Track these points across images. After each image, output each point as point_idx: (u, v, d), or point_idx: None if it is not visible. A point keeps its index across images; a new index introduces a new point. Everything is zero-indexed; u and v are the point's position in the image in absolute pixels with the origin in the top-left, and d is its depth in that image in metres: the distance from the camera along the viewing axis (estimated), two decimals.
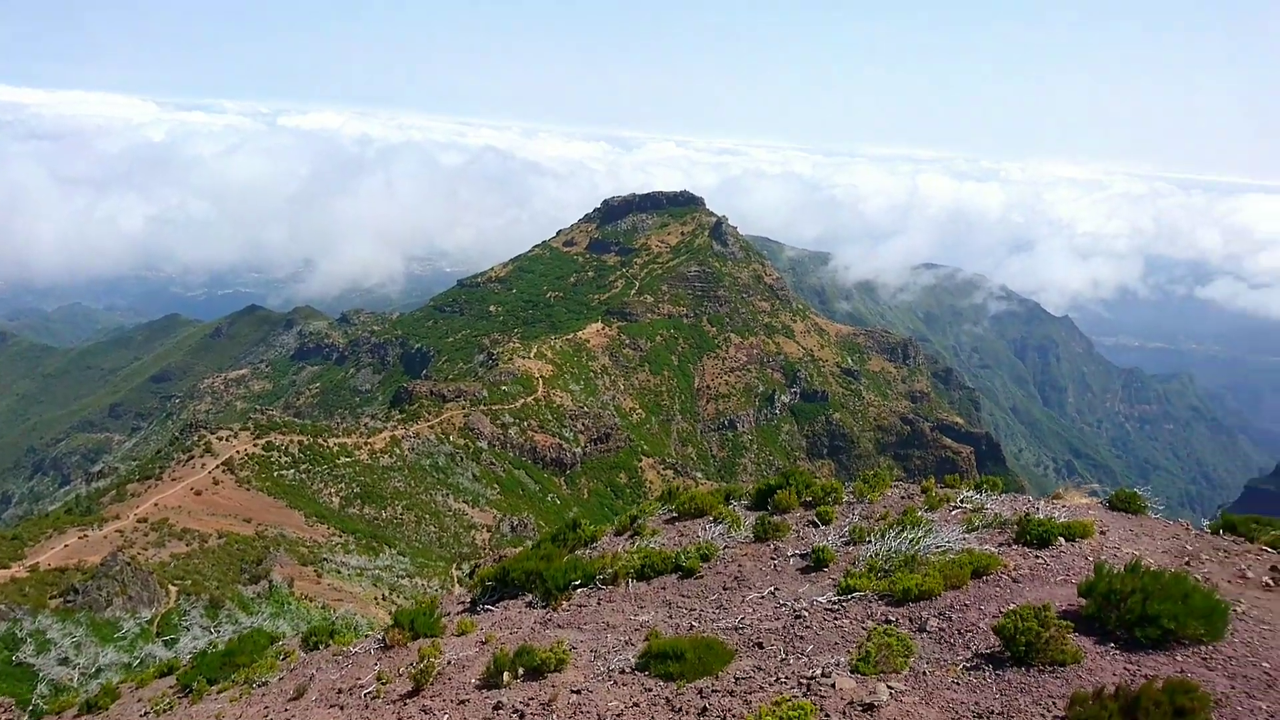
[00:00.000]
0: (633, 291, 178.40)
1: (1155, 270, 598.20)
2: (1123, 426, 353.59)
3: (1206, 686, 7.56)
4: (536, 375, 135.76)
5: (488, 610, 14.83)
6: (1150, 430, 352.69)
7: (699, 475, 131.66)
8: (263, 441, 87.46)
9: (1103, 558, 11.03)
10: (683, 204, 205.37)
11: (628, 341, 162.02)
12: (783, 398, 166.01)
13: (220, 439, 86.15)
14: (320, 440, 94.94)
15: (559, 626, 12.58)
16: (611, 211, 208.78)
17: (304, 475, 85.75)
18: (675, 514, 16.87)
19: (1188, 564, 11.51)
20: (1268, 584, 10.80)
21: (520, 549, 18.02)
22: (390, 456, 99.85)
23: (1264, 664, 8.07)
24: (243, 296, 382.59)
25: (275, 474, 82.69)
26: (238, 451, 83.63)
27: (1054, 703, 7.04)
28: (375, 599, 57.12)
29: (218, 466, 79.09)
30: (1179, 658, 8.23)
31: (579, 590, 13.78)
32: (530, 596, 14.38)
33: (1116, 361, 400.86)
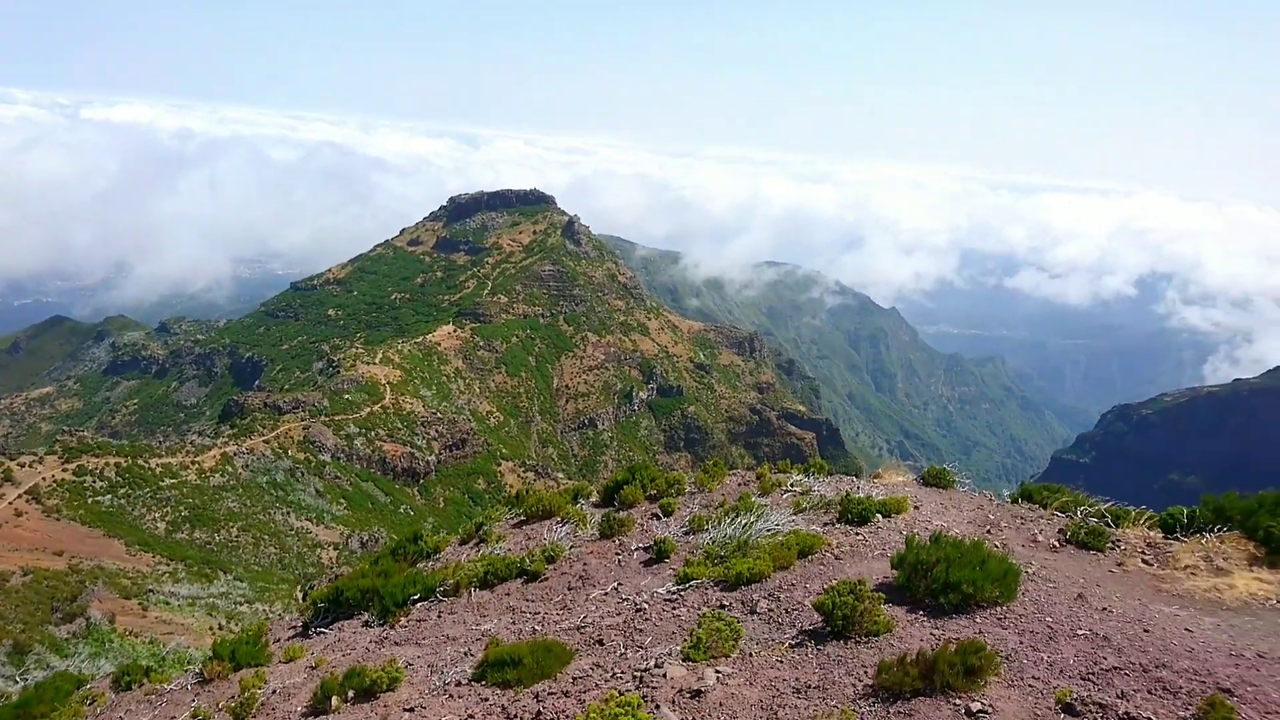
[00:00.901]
0: (485, 291, 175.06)
1: (970, 263, 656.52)
2: (946, 407, 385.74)
3: (999, 644, 8.28)
4: (383, 381, 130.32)
5: (320, 633, 14.01)
6: (970, 410, 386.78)
7: (561, 476, 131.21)
8: (73, 466, 78.66)
9: (915, 531, 11.87)
10: (534, 202, 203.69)
11: (482, 343, 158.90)
12: (641, 394, 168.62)
13: (22, 465, 76.60)
14: (141, 461, 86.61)
15: (396, 644, 12.06)
16: (459, 209, 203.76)
17: (123, 500, 77.93)
18: (523, 517, 16.62)
19: (988, 532, 12.61)
20: (1054, 546, 12.02)
21: (355, 567, 17.16)
22: (222, 475, 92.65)
23: (1048, 619, 8.94)
24: (46, 307, 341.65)
25: (90, 501, 74.60)
26: (44, 478, 74.70)
27: (865, 671, 7.45)
28: (210, 629, 52.92)
29: (20, 496, 70.32)
30: (978, 619, 8.97)
31: (419, 604, 13.28)
32: (367, 615, 13.72)
33: (939, 348, 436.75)
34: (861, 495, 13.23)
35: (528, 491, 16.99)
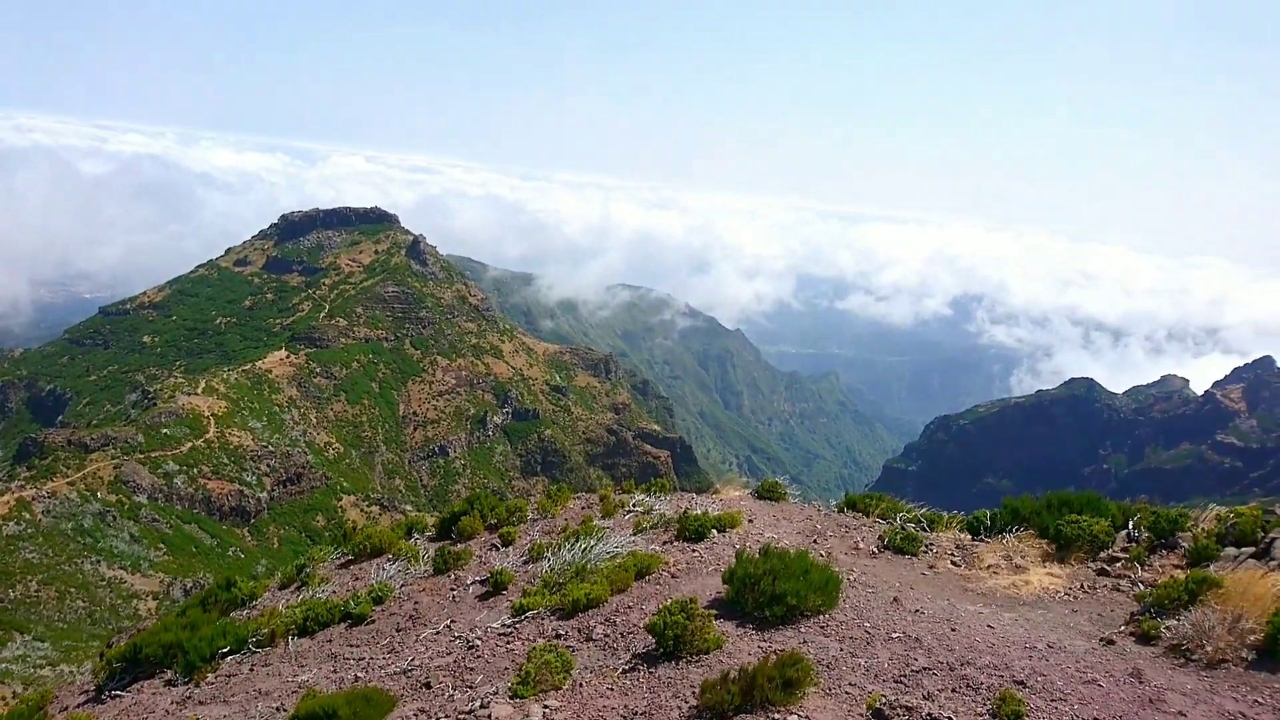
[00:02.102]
0: (322, 314, 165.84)
1: (805, 287, 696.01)
2: (788, 422, 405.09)
3: (821, 652, 8.52)
4: (206, 413, 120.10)
5: (116, 696, 12.43)
6: (809, 424, 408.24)
7: (409, 508, 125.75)
8: None
9: (748, 544, 12.13)
10: (375, 221, 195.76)
11: (319, 370, 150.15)
12: (495, 418, 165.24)
13: None
14: None
15: (200, 703, 10.87)
16: (292, 228, 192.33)
17: None
18: (351, 556, 15.59)
19: (815, 541, 13.10)
20: (873, 552, 12.64)
21: (157, 621, 15.45)
22: (17, 523, 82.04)
23: (866, 624, 9.32)
24: None
25: None
26: None
27: (692, 692, 7.42)
28: (2, 699, 46.40)
29: None
30: (803, 629, 9.21)
31: (230, 658, 12.08)
32: (170, 673, 12.31)
33: (780, 366, 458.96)
34: (698, 512, 13.40)
35: (355, 529, 15.96)
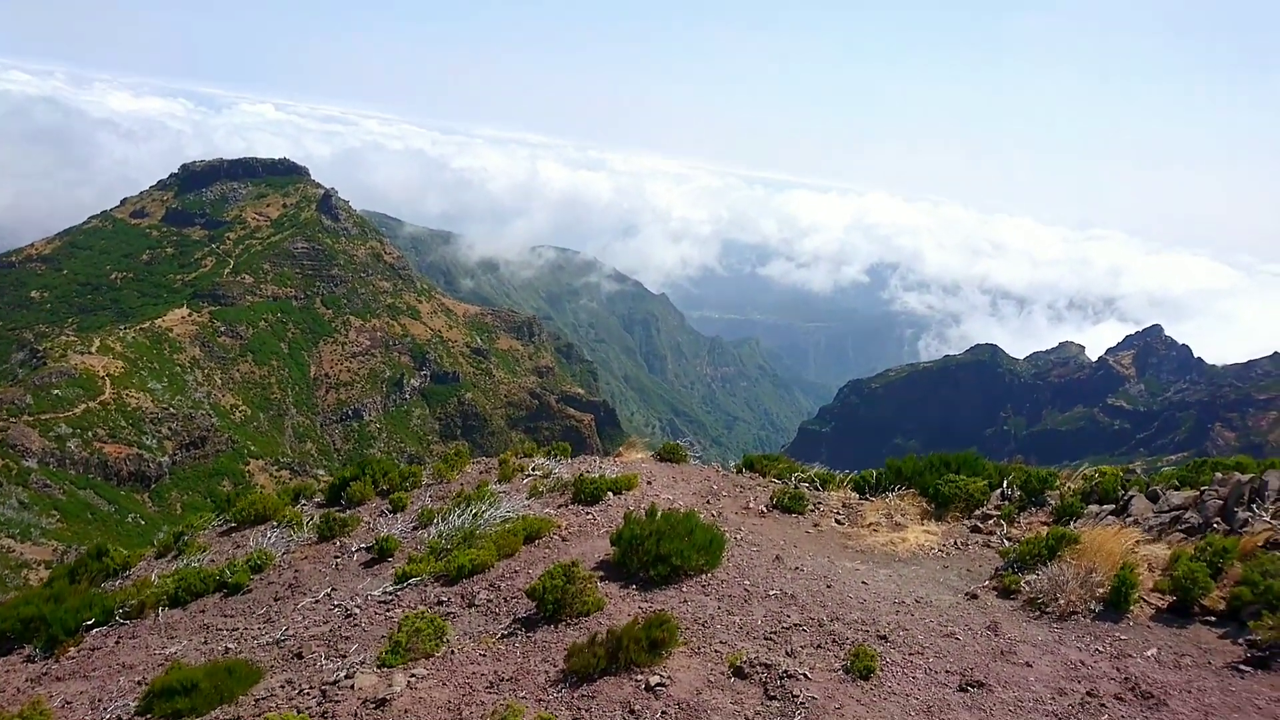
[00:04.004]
0: (227, 270, 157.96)
1: (729, 252, 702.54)
2: (710, 386, 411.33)
3: (699, 610, 8.60)
4: (102, 374, 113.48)
5: None
6: (730, 388, 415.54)
7: (321, 473, 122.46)
8: None
9: (643, 506, 12.15)
10: (284, 173, 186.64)
11: (223, 329, 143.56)
12: (412, 381, 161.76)
13: None
14: None
15: (58, 679, 10.27)
16: (194, 178, 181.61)
17: None
18: (234, 523, 14.95)
19: (708, 502, 13.23)
20: (762, 511, 12.85)
21: (16, 593, 14.52)
22: None
23: (746, 582, 9.46)
24: None
25: None
26: None
27: (563, 656, 7.36)
28: None
29: None
30: (685, 589, 9.28)
31: (95, 631, 11.44)
32: (29, 649, 11.59)
33: (703, 331, 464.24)
34: (595, 475, 13.33)
35: (235, 495, 15.29)
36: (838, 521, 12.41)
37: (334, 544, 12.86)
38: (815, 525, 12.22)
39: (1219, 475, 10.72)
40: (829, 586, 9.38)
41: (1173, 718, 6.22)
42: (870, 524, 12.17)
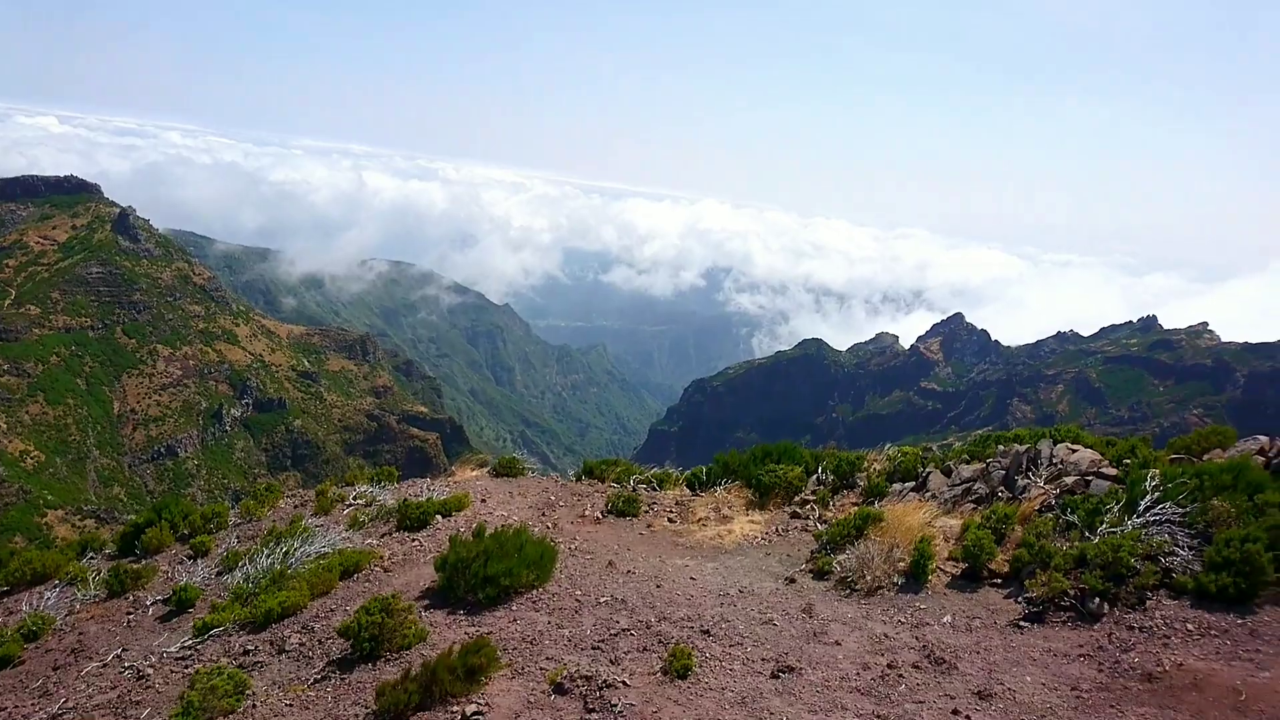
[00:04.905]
0: (8, 302, 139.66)
1: (571, 260, 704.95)
2: (560, 395, 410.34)
3: (528, 628, 8.39)
4: None
5: None
6: (581, 395, 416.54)
7: (133, 518, 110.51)
8: None
9: (473, 526, 11.76)
10: (71, 191, 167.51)
11: (6, 366, 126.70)
12: (233, 411, 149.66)
13: None
14: None
15: None
16: None
17: None
18: (5, 588, 13.06)
19: (543, 514, 13.05)
20: (598, 518, 12.82)
21: None
22: None
23: (578, 593, 9.35)
24: None
25: None
26: None
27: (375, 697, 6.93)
28: None
29: None
30: (514, 607, 9.03)
31: None
32: None
33: (550, 340, 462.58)
34: (422, 499, 12.78)
35: (10, 554, 13.40)
36: (670, 520, 12.59)
37: (126, 599, 11.53)
38: (649, 526, 12.33)
39: (1001, 448, 11.83)
40: (659, 586, 9.47)
41: (962, 679, 6.72)
42: (700, 519, 12.44)
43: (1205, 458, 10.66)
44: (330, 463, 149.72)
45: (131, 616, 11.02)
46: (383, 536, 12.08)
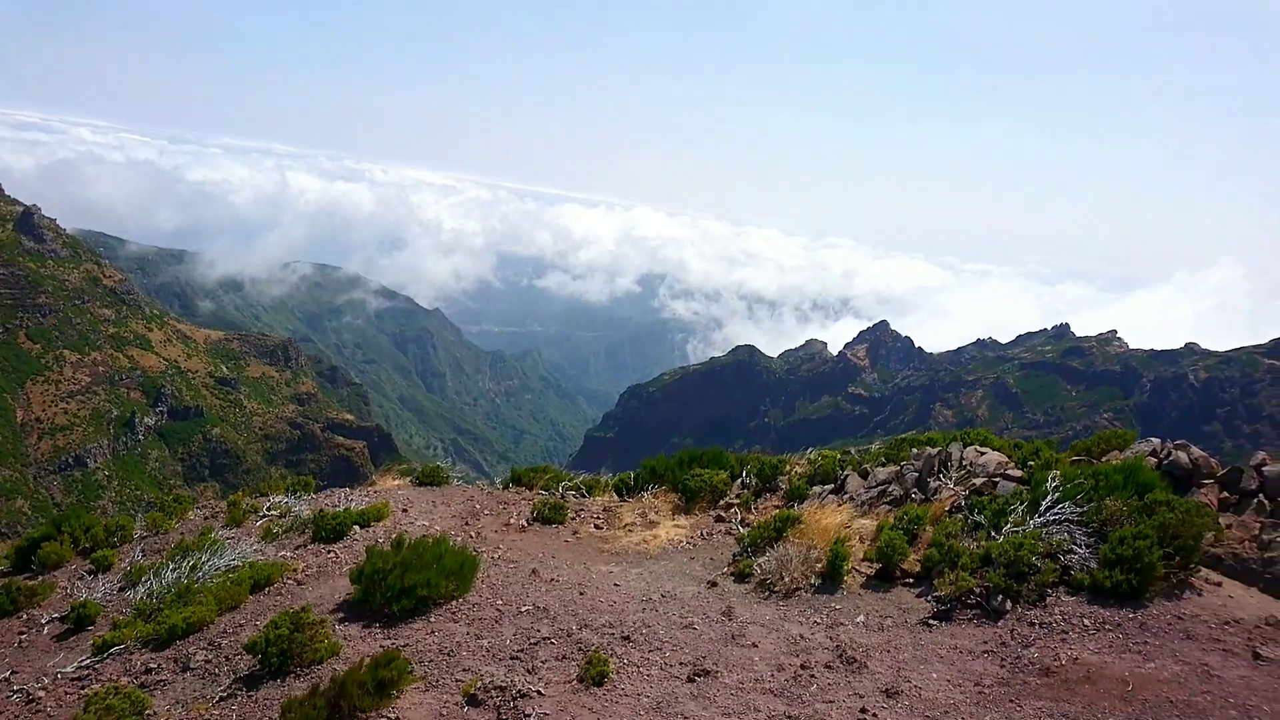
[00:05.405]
0: None
1: (505, 265, 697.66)
2: (494, 401, 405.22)
3: (445, 640, 8.24)
4: None
5: None
6: (515, 401, 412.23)
7: (30, 532, 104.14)
8: None
9: (393, 537, 11.49)
10: None
11: None
12: (146, 420, 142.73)
13: None
14: None
15: None
16: None
17: None
18: None
19: (467, 523, 12.86)
20: (523, 526, 12.69)
21: None
22: None
23: (499, 602, 9.23)
24: None
25: None
26: None
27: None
28: None
29: None
30: (433, 619, 8.86)
31: None
32: None
33: (483, 346, 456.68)
34: (339, 509, 12.44)
35: None
36: (596, 526, 12.56)
37: (19, 618, 10.86)
38: (574, 533, 12.28)
39: (915, 450, 12.20)
40: (582, 594, 9.43)
41: (872, 678, 6.90)
42: (626, 525, 12.46)
43: (1104, 459, 11.21)
44: (251, 473, 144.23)
45: (24, 636, 10.39)
46: (297, 548, 11.71)
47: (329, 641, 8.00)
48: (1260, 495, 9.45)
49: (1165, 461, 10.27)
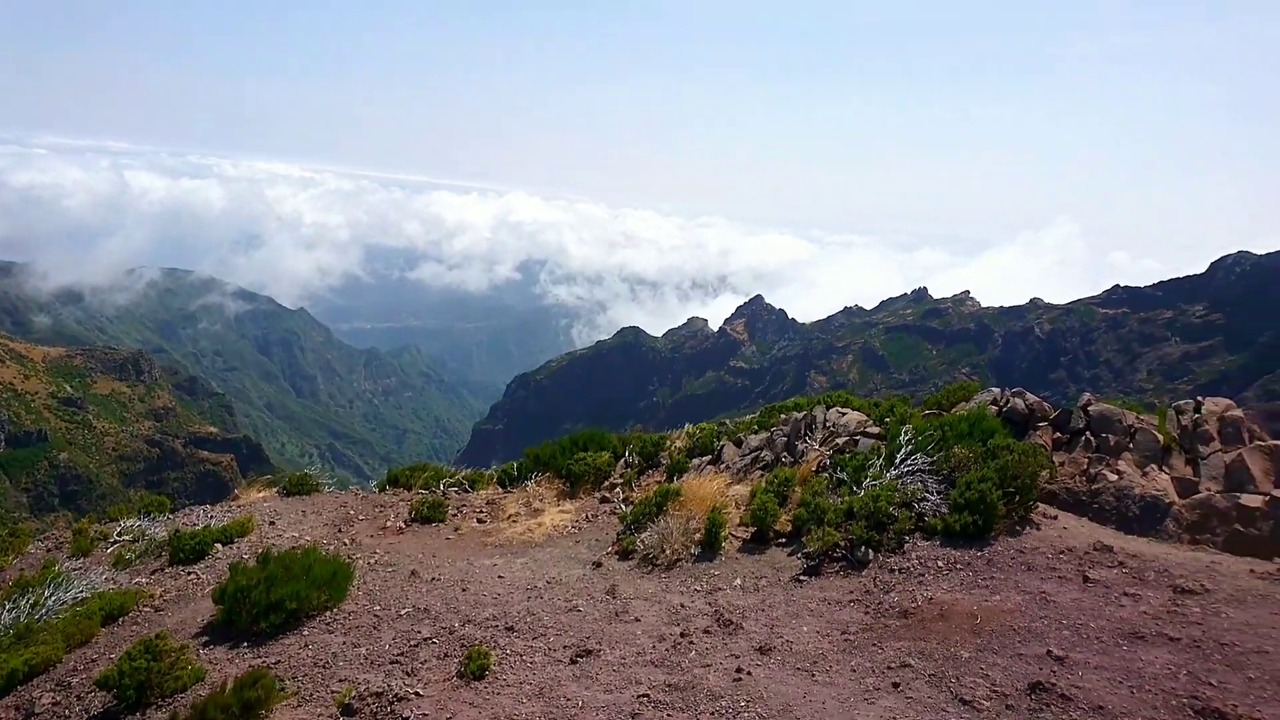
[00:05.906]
0: None
1: (374, 258, 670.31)
2: (372, 401, 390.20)
3: (320, 651, 7.93)
4: None
5: None
6: (395, 400, 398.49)
7: None
8: None
9: (259, 551, 10.92)
10: None
11: None
12: None
13: None
14: None
15: None
16: None
17: None
18: None
19: (340, 530, 12.39)
20: (400, 528, 12.34)
21: None
22: None
23: (377, 608, 8.94)
24: None
25: None
26: None
27: None
28: None
29: None
30: (306, 632, 8.48)
31: None
32: None
33: (356, 344, 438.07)
34: (199, 527, 11.70)
35: None
36: (480, 521, 12.39)
37: None
38: (456, 530, 12.06)
39: (783, 416, 12.71)
40: (464, 590, 9.29)
41: (747, 638, 7.17)
42: (510, 515, 12.36)
43: (953, 410, 12.06)
44: (108, 497, 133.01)
45: None
46: (154, 573, 10.95)
47: (192, 667, 7.54)
48: (1088, 433, 10.44)
49: (1005, 408, 11.15)
